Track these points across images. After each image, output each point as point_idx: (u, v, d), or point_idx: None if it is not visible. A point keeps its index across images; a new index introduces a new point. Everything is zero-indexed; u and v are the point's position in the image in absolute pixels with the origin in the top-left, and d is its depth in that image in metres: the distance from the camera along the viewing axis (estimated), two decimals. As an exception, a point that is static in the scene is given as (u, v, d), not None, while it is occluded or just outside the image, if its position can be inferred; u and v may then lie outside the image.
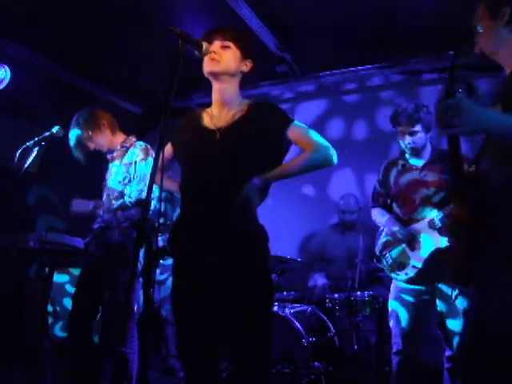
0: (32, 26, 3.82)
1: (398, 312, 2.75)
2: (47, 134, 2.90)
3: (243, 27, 3.78)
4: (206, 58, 1.93)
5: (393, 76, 4.74)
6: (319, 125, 4.95)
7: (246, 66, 2.00)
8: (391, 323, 2.79)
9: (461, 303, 2.52)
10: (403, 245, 2.76)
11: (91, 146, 2.99)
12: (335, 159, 1.92)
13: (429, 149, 2.82)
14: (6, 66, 3.92)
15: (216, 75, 1.95)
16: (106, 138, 3.00)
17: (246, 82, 2.03)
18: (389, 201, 2.98)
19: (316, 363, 3.26)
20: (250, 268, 1.81)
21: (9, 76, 3.92)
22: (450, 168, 1.48)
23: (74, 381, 2.79)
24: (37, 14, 3.66)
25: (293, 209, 4.96)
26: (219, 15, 3.66)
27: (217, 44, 1.94)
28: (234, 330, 1.82)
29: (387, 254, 2.83)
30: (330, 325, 3.67)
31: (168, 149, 2.10)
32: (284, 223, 4.68)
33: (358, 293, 3.60)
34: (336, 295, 3.72)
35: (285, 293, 4.04)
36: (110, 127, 3.02)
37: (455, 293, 2.44)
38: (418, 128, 2.74)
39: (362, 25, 3.94)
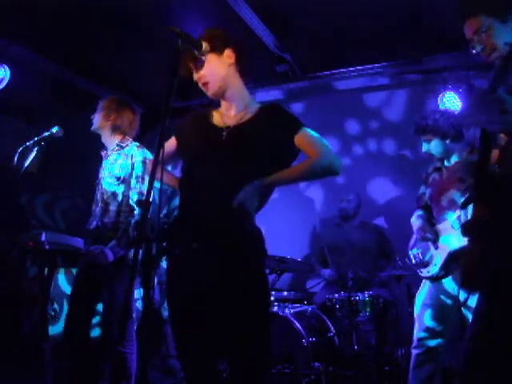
0: (32, 26, 3.82)
1: (422, 306, 2.77)
2: (47, 134, 2.89)
3: (243, 27, 3.78)
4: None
5: (394, 76, 4.74)
6: (321, 124, 4.95)
7: (230, 57, 1.95)
8: (415, 315, 2.81)
9: (472, 302, 2.52)
10: (430, 243, 2.80)
11: (100, 122, 2.94)
12: (340, 169, 1.88)
13: (457, 154, 2.82)
14: (5, 66, 3.92)
15: (218, 93, 1.96)
16: (111, 135, 2.96)
17: (245, 71, 2.00)
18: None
19: (316, 363, 3.26)
20: (244, 268, 1.79)
21: (9, 76, 3.92)
22: (475, 165, 1.44)
23: (73, 381, 2.79)
24: (37, 13, 3.65)
25: (293, 209, 4.96)
26: (219, 15, 3.66)
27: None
28: (229, 328, 1.80)
29: (417, 252, 2.89)
30: (330, 325, 3.67)
31: (171, 142, 2.07)
32: (284, 223, 4.68)
33: (358, 293, 3.60)
34: (336, 295, 3.72)
35: (285, 293, 4.04)
36: (129, 128, 2.99)
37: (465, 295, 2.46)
38: (428, 137, 2.80)
39: (362, 24, 3.94)
